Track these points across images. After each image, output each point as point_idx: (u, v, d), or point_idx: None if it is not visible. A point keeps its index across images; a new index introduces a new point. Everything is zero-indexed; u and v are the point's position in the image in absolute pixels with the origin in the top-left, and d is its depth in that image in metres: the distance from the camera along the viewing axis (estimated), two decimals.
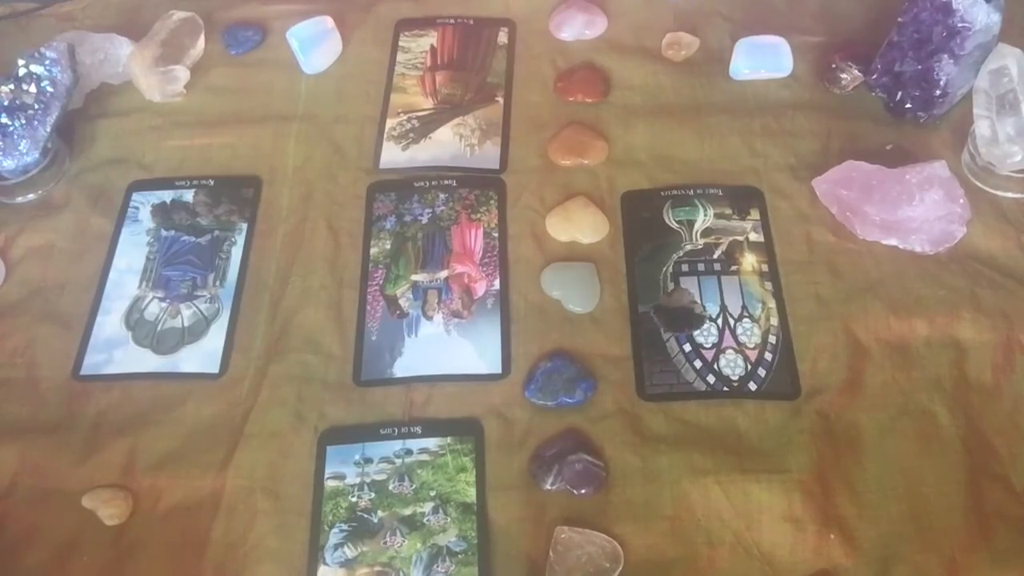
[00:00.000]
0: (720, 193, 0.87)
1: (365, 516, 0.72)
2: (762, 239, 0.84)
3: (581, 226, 0.86)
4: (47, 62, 0.91)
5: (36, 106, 0.90)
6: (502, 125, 0.94)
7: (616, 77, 0.97)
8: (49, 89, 0.91)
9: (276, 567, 0.70)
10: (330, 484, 0.73)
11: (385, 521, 0.71)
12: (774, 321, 0.79)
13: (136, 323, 0.83)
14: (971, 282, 0.80)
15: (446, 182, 0.90)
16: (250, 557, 0.70)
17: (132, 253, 0.87)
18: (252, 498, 0.73)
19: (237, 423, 0.77)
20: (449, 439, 0.75)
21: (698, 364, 0.77)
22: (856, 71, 0.93)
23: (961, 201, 0.82)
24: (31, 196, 0.92)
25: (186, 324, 0.83)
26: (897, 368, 0.76)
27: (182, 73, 0.98)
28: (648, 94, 0.95)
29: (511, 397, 0.77)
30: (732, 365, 0.77)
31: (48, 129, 0.91)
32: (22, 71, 0.91)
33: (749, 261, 0.83)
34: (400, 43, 1.02)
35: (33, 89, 0.90)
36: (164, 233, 0.89)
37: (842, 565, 0.68)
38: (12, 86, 0.90)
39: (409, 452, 0.74)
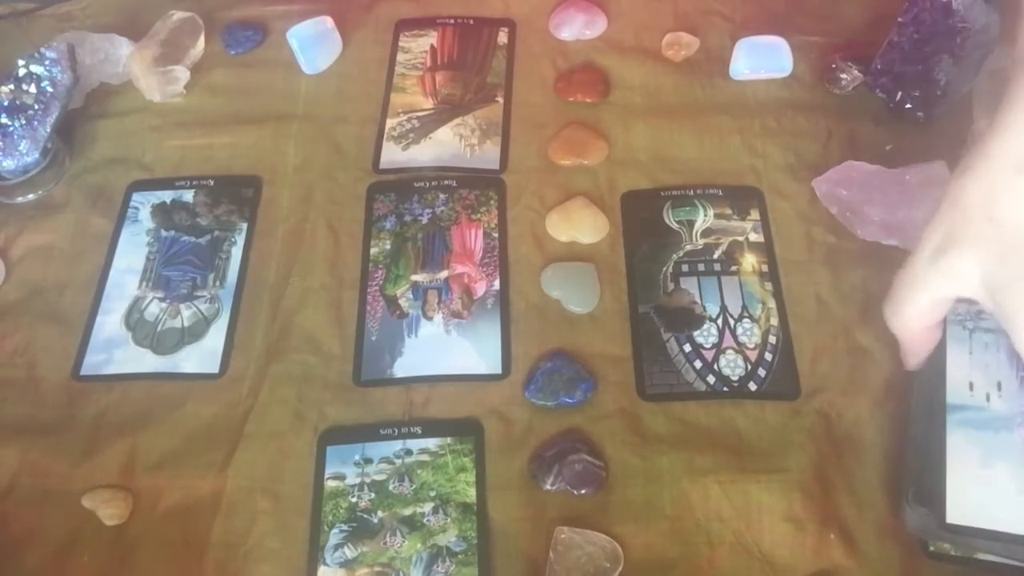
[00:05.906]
0: (720, 193, 0.87)
1: (365, 516, 0.72)
2: (762, 239, 0.84)
3: (581, 226, 0.86)
4: (47, 62, 0.91)
5: (36, 106, 0.90)
6: (502, 125, 0.94)
7: (616, 77, 0.97)
8: (49, 89, 0.91)
9: (276, 567, 0.70)
10: (330, 484, 0.73)
11: (385, 521, 0.71)
12: (774, 321, 0.79)
13: (136, 323, 0.83)
14: None
15: (446, 182, 0.90)
16: (250, 557, 0.70)
17: (132, 253, 0.87)
18: (252, 498, 0.73)
19: (237, 423, 0.77)
20: (449, 439, 0.75)
21: (698, 364, 0.77)
22: (856, 71, 0.93)
23: None
24: (31, 196, 0.92)
25: (186, 324, 0.83)
26: (897, 368, 0.76)
27: (182, 73, 0.98)
28: (648, 94, 0.95)
29: (511, 397, 0.77)
30: (732, 365, 0.77)
31: (48, 129, 0.91)
32: (22, 71, 0.91)
33: (749, 261, 0.83)
34: (400, 43, 1.02)
35: (33, 89, 0.90)
36: (164, 233, 0.89)
37: (842, 565, 0.68)
38: (12, 86, 0.90)
39: (409, 452, 0.74)
